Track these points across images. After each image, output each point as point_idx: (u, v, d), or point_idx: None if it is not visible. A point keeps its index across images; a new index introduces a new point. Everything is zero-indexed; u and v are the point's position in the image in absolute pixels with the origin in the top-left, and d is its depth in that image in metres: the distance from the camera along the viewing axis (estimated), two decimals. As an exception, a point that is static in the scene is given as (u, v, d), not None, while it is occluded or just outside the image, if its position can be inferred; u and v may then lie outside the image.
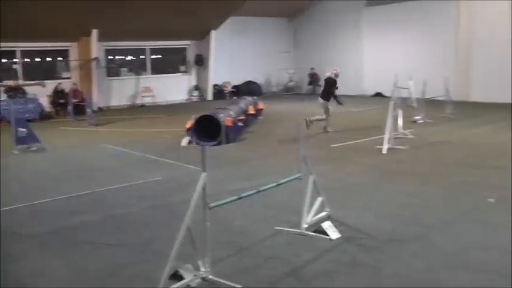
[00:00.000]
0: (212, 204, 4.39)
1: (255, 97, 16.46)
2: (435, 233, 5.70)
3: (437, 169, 9.07)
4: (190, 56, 25.91)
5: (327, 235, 5.49)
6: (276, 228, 5.88)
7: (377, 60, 24.93)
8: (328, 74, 13.94)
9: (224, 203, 4.65)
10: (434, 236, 5.60)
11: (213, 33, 25.02)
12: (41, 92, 19.06)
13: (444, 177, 8.41)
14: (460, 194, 7.30)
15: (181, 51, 26.11)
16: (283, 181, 5.50)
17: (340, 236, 5.54)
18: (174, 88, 25.16)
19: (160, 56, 25.75)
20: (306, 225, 5.67)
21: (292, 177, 5.64)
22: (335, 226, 5.72)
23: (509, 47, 19.47)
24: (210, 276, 4.48)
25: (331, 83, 13.59)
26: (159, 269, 4.31)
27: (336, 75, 13.70)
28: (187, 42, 25.71)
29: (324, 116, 13.63)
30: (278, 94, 27.55)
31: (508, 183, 7.70)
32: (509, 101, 18.50)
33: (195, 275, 4.48)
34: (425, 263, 4.85)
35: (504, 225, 5.86)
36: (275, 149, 11.54)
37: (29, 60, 21.72)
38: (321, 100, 13.68)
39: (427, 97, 15.62)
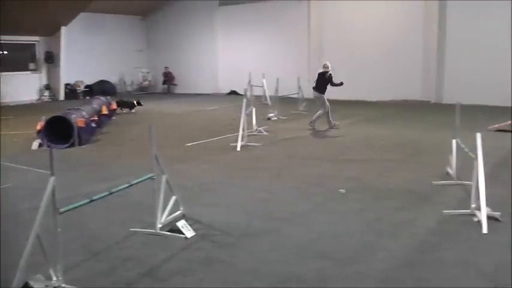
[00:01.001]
0: (62, 209, 4.30)
1: (108, 97, 16.08)
2: (288, 225, 6.06)
3: (290, 164, 9.59)
4: (40, 53, 24.55)
5: (182, 234, 5.61)
6: (131, 229, 5.88)
7: (231, 59, 25.56)
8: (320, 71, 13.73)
9: (75, 207, 4.55)
10: (288, 228, 5.95)
11: (63, 30, 23.95)
12: None
13: (297, 171, 8.91)
14: (313, 187, 7.79)
15: (30, 47, 24.60)
16: (135, 182, 5.51)
17: (195, 234, 5.68)
18: (23, 87, 23.69)
19: (7, 52, 24.03)
20: (160, 225, 5.75)
21: (144, 178, 5.68)
22: (190, 224, 5.85)
23: (359, 47, 21.12)
24: (63, 285, 4.38)
25: (324, 76, 13.50)
26: (7, 282, 4.13)
27: (325, 67, 13.55)
28: (36, 38, 24.29)
29: (321, 111, 13.55)
30: (133, 94, 27.08)
31: (359, 173, 8.46)
32: (363, 99, 20.17)
33: (47, 285, 4.34)
34: (279, 255, 5.14)
35: (353, 213, 6.43)
36: (130, 149, 11.42)
37: None
38: (316, 93, 13.68)
39: (280, 95, 16.37)
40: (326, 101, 13.44)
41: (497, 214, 6.03)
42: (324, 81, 13.51)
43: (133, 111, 18.05)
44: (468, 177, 6.66)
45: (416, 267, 4.80)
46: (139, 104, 18.06)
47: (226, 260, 5.04)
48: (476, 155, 6.18)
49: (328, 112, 13.43)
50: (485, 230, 5.64)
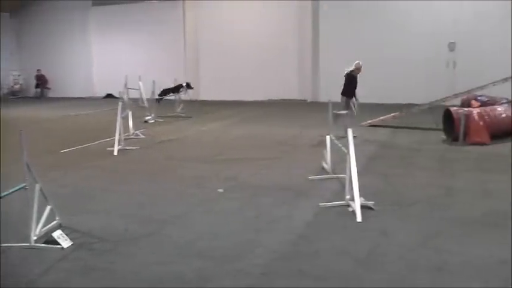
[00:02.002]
0: None
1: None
2: (167, 227, 6.10)
3: (168, 166, 9.62)
4: None
5: (59, 244, 5.46)
6: (3, 245, 5.60)
7: (107, 61, 24.96)
8: (347, 70, 12.30)
9: None
10: (167, 230, 6.00)
11: None
12: None
13: (175, 173, 8.96)
14: (191, 188, 7.89)
15: None
16: (5, 193, 5.28)
17: (72, 243, 5.54)
18: None
19: None
20: (35, 237, 5.54)
21: (15, 188, 5.45)
22: (67, 234, 5.68)
23: (236, 48, 21.51)
24: None
25: (350, 79, 12.15)
26: None
27: (358, 70, 12.11)
28: None
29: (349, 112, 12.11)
30: (4, 98, 25.45)
31: (237, 173, 8.69)
32: (240, 99, 20.54)
33: None
34: (159, 257, 5.18)
35: (231, 212, 6.62)
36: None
37: None
38: (342, 98, 12.18)
39: (157, 97, 16.28)
40: (351, 106, 12.14)
41: (370, 203, 6.53)
42: (353, 83, 12.19)
43: None
44: (343, 170, 7.07)
45: (294, 259, 5.07)
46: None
47: (105, 267, 4.98)
48: (348, 149, 6.63)
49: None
50: (359, 218, 6.08)
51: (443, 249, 5.21)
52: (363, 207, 6.32)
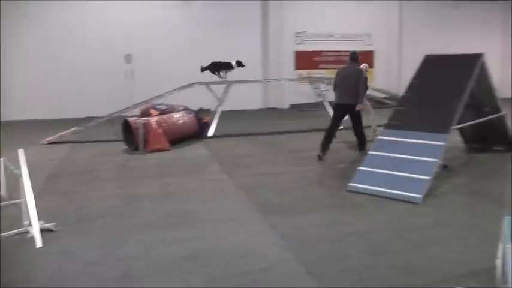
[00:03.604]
0: None
1: None
2: None
3: None
4: None
5: None
6: None
7: None
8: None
9: None
10: None
11: None
12: None
13: None
14: None
15: None
16: None
17: None
18: None
19: None
20: None
21: None
22: None
23: None
24: None
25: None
26: None
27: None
28: None
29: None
30: None
31: None
32: None
33: None
34: None
35: None
36: None
37: None
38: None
39: None
40: (369, 106, 12.49)
41: (51, 225, 6.17)
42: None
43: None
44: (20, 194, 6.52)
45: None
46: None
47: None
48: (21, 171, 6.13)
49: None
50: (39, 243, 5.69)
51: (127, 257, 5.28)
52: (43, 230, 5.98)
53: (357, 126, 10.29)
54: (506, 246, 4.08)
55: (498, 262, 4.33)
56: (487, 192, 7.61)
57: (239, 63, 14.34)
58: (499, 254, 4.31)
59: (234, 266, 5.04)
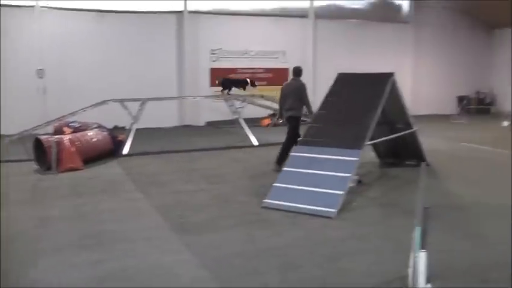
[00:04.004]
0: None
1: None
2: None
3: None
4: None
5: None
6: None
7: None
8: None
9: None
10: None
11: None
12: None
13: None
14: None
15: None
16: None
17: None
18: None
19: None
20: None
21: None
22: None
23: None
24: None
25: None
26: None
27: None
28: None
29: None
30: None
31: None
32: None
33: None
34: None
35: None
36: None
37: None
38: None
39: None
40: None
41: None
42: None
43: None
44: None
45: None
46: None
47: None
48: None
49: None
50: None
51: (37, 283, 5.19)
52: None
53: (289, 141, 10.59)
54: (416, 255, 4.38)
55: (410, 271, 4.63)
56: (399, 204, 8.11)
57: (252, 83, 15.95)
58: (411, 262, 4.61)
59: (148, 286, 5.09)
